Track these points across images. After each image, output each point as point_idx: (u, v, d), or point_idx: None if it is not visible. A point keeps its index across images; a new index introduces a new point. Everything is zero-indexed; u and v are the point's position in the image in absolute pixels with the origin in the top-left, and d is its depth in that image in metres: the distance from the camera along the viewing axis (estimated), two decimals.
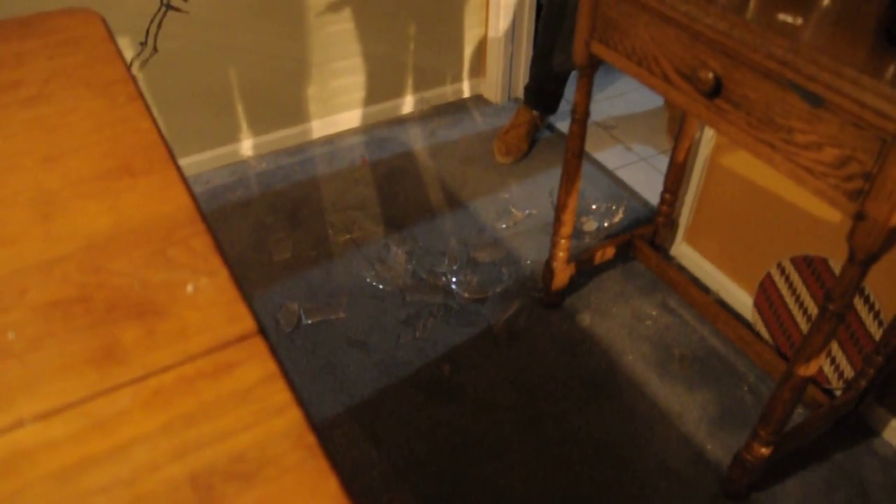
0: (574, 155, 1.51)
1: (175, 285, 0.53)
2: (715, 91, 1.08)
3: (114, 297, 0.53)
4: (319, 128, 2.36)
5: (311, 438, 0.44)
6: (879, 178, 0.89)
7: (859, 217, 0.94)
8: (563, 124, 2.52)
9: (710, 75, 1.07)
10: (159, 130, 0.70)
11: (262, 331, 0.50)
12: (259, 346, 0.49)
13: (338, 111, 2.37)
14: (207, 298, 0.52)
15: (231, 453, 0.43)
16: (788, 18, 1.00)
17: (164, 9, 1.82)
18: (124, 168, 0.65)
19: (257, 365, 0.47)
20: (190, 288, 0.53)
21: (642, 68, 1.20)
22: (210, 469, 0.42)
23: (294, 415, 0.45)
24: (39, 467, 0.43)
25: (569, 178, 1.55)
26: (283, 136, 2.30)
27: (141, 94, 0.75)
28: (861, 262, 0.97)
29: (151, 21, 1.82)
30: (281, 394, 0.46)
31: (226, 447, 0.43)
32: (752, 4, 1.04)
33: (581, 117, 1.45)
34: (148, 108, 0.73)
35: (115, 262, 0.56)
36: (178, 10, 1.84)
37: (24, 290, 0.54)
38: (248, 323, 0.50)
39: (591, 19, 1.28)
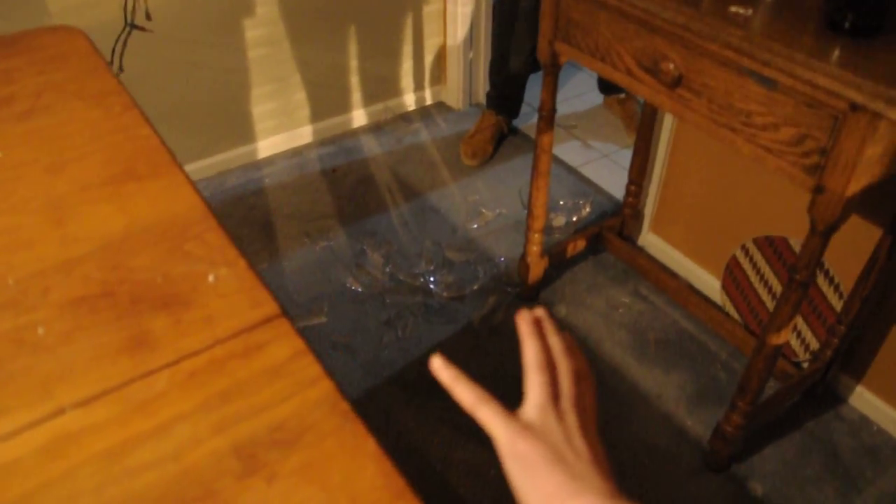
0: (543, 150, 1.56)
1: (196, 277, 0.56)
2: (677, 81, 1.14)
3: (137, 290, 0.55)
4: (285, 140, 2.38)
5: (344, 405, 0.47)
6: (834, 153, 0.96)
7: (818, 190, 1.00)
8: (525, 126, 2.58)
9: (672, 66, 1.13)
10: (159, 137, 0.72)
11: (285, 312, 0.53)
12: (284, 326, 0.52)
13: (301, 124, 2.39)
14: (229, 286, 0.55)
15: (271, 424, 0.46)
16: (740, 10, 1.07)
17: (128, 28, 1.83)
18: (129, 173, 0.67)
19: (285, 343, 0.50)
20: (211, 278, 0.55)
21: (606, 64, 1.25)
22: (252, 440, 0.45)
23: (326, 385, 0.48)
24: (85, 449, 0.45)
25: (539, 174, 1.60)
26: (249, 151, 2.31)
27: (136, 104, 0.77)
28: (822, 233, 1.04)
29: (116, 41, 1.83)
30: (311, 367, 0.49)
31: (265, 419, 0.46)
32: None
33: (548, 114, 1.50)
34: (145, 116, 0.75)
35: (134, 259, 0.58)
36: (142, 29, 1.85)
37: (46, 290, 0.56)
38: (271, 306, 0.53)
39: (554, 20, 1.33)
